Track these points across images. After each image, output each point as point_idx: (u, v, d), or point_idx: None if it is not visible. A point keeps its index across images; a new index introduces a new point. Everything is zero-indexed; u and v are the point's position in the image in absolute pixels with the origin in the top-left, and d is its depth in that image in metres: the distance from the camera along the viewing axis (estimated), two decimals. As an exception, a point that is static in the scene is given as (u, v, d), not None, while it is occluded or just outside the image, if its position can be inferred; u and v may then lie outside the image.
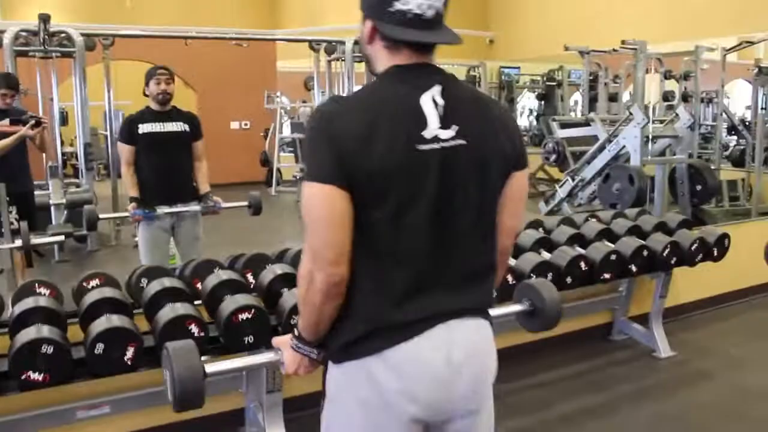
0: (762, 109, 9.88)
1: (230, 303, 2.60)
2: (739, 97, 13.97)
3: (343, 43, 8.17)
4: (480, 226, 1.52)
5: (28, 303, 2.58)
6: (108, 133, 7.80)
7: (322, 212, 1.39)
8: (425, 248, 1.45)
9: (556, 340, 3.82)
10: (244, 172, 10.62)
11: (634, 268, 3.66)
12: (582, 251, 3.54)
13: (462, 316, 1.50)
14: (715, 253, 3.98)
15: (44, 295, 2.77)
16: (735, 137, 9.80)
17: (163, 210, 3.99)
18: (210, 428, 3.07)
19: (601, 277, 3.55)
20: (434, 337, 1.45)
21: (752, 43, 7.74)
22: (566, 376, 3.73)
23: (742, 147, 8.54)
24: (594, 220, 4.15)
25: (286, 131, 11.09)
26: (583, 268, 3.46)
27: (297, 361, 1.59)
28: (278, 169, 10.51)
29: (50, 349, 2.28)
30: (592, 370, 3.87)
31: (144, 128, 3.97)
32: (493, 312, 1.62)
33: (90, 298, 2.63)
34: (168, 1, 13.79)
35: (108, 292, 2.68)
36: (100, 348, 2.34)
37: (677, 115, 6.34)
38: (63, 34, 6.24)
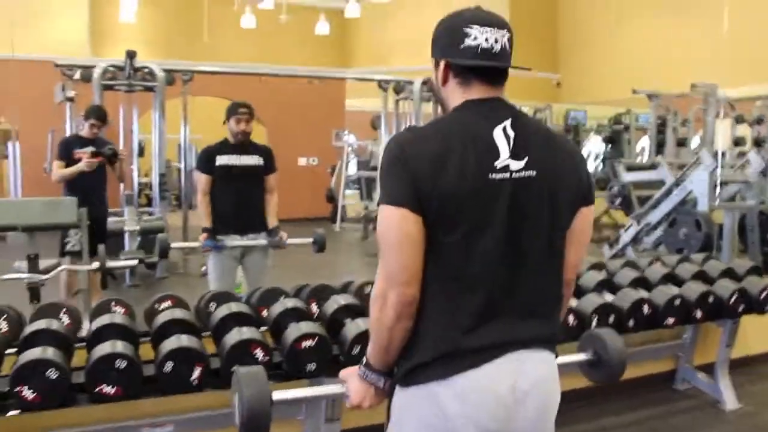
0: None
1: (294, 330, 2.67)
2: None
3: (411, 82, 8.36)
4: (549, 257, 1.56)
5: (104, 319, 2.71)
6: (182, 165, 8.10)
7: (396, 234, 1.46)
8: (496, 275, 1.49)
9: (618, 385, 3.73)
10: (310, 208, 10.85)
11: (699, 314, 3.58)
12: (645, 294, 3.49)
13: (530, 347, 1.53)
14: (787, 302, 3.85)
15: (119, 312, 2.92)
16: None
17: (232, 242, 4.12)
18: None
19: (665, 322, 3.49)
20: (502, 365, 1.49)
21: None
22: (627, 423, 3.65)
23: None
24: (659, 263, 4.09)
25: (352, 169, 11.29)
26: (646, 312, 3.41)
27: (363, 391, 1.63)
28: (343, 206, 10.69)
29: (124, 364, 2.39)
30: (653, 417, 3.77)
31: (221, 160, 4.13)
32: (557, 360, 1.64)
33: (162, 318, 2.75)
34: (243, 39, 14.37)
35: (179, 313, 2.79)
36: (169, 366, 2.44)
37: (748, 160, 6.20)
38: (146, 69, 6.58)
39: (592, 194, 1.64)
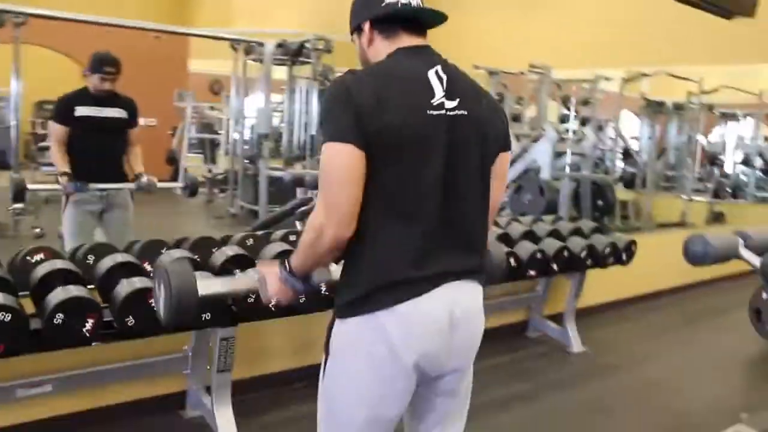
0: (649, 138, 10.70)
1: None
2: (623, 127, 14.97)
3: (262, 44, 8.18)
4: (480, 193, 1.65)
5: (-27, 273, 2.49)
6: (12, 123, 7.39)
7: (342, 171, 1.48)
8: (436, 208, 1.55)
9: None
10: (149, 170, 10.32)
11: (555, 267, 3.92)
12: (511, 249, 3.76)
13: (464, 278, 1.61)
14: (624, 258, 4.32)
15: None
16: (623, 162, 10.54)
17: (97, 186, 3.87)
18: (149, 411, 3.04)
19: (527, 274, 3.79)
20: (441, 295, 1.56)
21: (647, 75, 8.36)
22: (490, 367, 3.93)
23: (632, 171, 9.19)
24: (516, 223, 4.41)
25: (194, 132, 10.91)
26: (512, 265, 3.68)
27: (281, 289, 1.68)
28: (185, 169, 10.30)
29: (8, 317, 2.22)
30: (513, 362, 4.10)
31: (81, 111, 3.85)
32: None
33: (42, 270, 2.56)
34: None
35: (61, 264, 2.62)
36: (59, 318, 2.30)
37: (585, 135, 6.79)
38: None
39: (509, 141, 1.76)
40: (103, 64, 3.87)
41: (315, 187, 4.67)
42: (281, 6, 13.39)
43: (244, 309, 2.70)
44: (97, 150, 3.93)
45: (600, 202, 6.41)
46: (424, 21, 1.68)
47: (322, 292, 2.71)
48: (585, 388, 3.80)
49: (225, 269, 2.84)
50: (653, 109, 10.76)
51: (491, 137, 1.66)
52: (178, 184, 4.32)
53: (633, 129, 11.55)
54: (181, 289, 1.78)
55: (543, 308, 4.56)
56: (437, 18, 1.68)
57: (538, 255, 3.80)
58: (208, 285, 1.93)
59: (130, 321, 2.45)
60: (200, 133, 11.09)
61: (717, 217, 8.38)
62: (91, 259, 2.88)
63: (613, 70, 9.43)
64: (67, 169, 3.84)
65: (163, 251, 3.01)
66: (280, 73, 8.83)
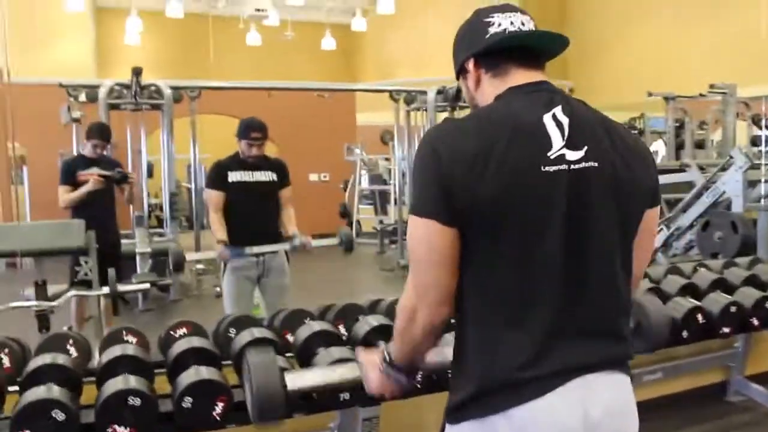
0: None
1: (325, 356, 2.40)
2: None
3: (423, 92, 8.12)
4: (617, 264, 1.31)
5: (115, 351, 2.45)
6: (192, 185, 7.87)
7: (424, 249, 1.26)
8: (557, 289, 1.24)
9: (668, 400, 3.47)
10: (323, 224, 10.58)
11: (755, 322, 3.29)
12: (698, 303, 3.20)
13: (599, 370, 1.28)
14: None
15: (131, 343, 2.66)
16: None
17: (252, 249, 3.85)
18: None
19: (721, 331, 3.20)
20: (569, 394, 1.24)
21: None
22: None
23: None
24: (704, 269, 3.80)
25: (365, 184, 11.07)
26: (701, 321, 3.13)
27: (384, 383, 1.48)
28: (358, 221, 10.45)
29: (137, 401, 2.13)
30: (710, 435, 3.49)
31: (234, 176, 3.90)
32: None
33: (178, 348, 2.48)
34: (248, 57, 14.23)
35: (196, 342, 2.53)
36: (188, 402, 2.17)
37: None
38: (153, 87, 6.37)
39: (659, 193, 1.40)
40: (250, 129, 3.88)
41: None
42: (438, 53, 13.41)
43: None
44: (251, 214, 3.94)
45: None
46: (540, 50, 1.37)
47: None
48: (806, 468, 3.11)
49: (369, 342, 2.63)
50: None
51: (635, 192, 1.31)
52: (333, 242, 4.21)
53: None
54: (264, 386, 1.58)
55: (745, 367, 3.87)
56: (557, 43, 1.36)
57: (732, 308, 3.20)
58: (298, 378, 1.71)
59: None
60: (371, 185, 11.22)
61: None
62: (232, 332, 2.79)
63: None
64: (223, 236, 3.87)
65: (306, 321, 2.86)
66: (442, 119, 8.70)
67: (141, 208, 7.33)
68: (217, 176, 3.94)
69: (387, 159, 11.95)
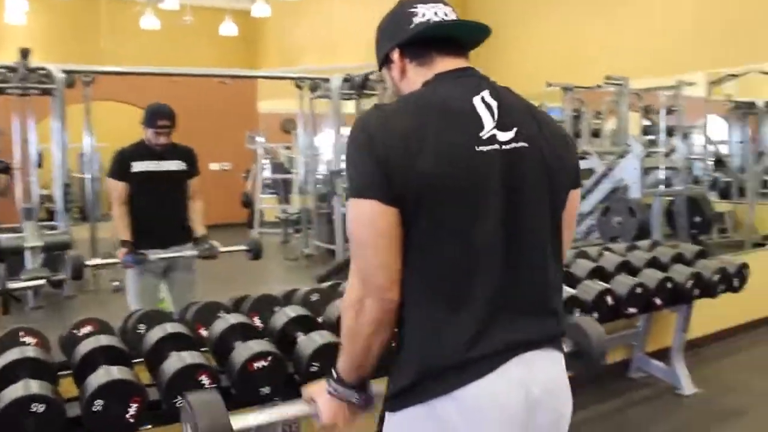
0: (740, 142, 9.92)
1: (243, 350, 2.31)
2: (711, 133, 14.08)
3: (328, 80, 8.01)
4: (550, 242, 1.32)
5: (12, 354, 2.26)
6: (87, 176, 7.46)
7: (368, 232, 1.22)
8: (497, 266, 1.24)
9: (572, 380, 3.58)
10: (225, 214, 10.32)
11: (658, 302, 3.45)
12: (607, 285, 3.31)
13: (537, 348, 1.29)
14: (735, 284, 3.79)
15: (29, 344, 2.46)
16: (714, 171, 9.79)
17: (156, 255, 3.67)
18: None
19: (627, 311, 3.33)
20: (511, 372, 1.24)
21: (736, 75, 7.72)
22: (590, 419, 3.47)
23: (727, 180, 8.49)
24: (609, 253, 3.94)
25: (268, 173, 10.86)
26: (610, 303, 3.24)
27: (336, 408, 1.40)
28: (260, 211, 10.24)
29: (42, 408, 1.97)
30: (617, 411, 3.62)
31: (139, 166, 3.69)
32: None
33: (84, 347, 2.32)
34: (143, 42, 13.62)
35: (104, 340, 2.37)
36: (99, 405, 2.03)
37: (674, 147, 6.24)
38: (43, 71, 5.97)
39: (580, 175, 1.44)
40: (157, 117, 3.69)
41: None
42: (344, 42, 13.31)
43: (307, 378, 2.37)
44: (158, 207, 3.75)
45: (697, 218, 5.83)
46: (463, 39, 1.37)
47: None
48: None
49: (286, 334, 2.55)
50: (743, 111, 10.00)
51: (561, 173, 1.33)
52: (242, 248, 4.08)
53: (718, 134, 10.78)
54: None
55: (645, 345, 4.06)
56: (479, 33, 1.37)
57: (638, 290, 3.34)
58: (245, 419, 1.63)
59: (180, 402, 2.16)
60: (274, 174, 11.02)
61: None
62: (142, 328, 2.64)
63: (693, 74, 8.83)
64: (126, 237, 3.66)
65: (220, 314, 2.75)
66: (348, 107, 8.64)
67: (30, 200, 6.87)
68: (120, 165, 3.73)
69: (288, 147, 11.79)
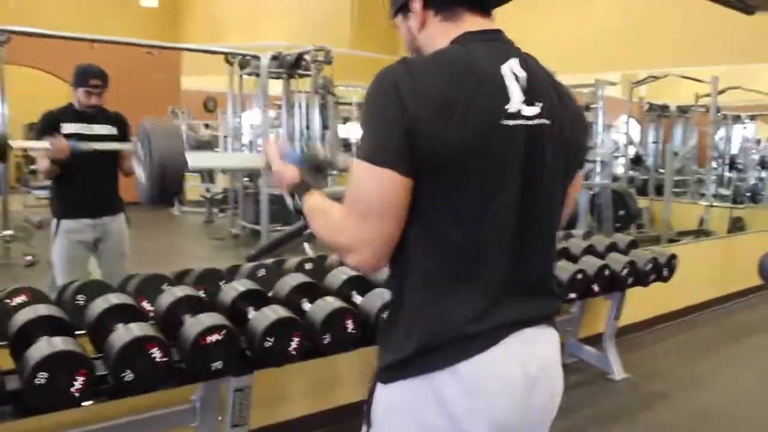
0: (653, 143, 10.37)
1: (195, 323, 2.21)
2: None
3: (258, 57, 7.82)
4: (553, 222, 1.31)
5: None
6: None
7: (372, 199, 1.15)
8: (509, 244, 1.21)
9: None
10: (144, 191, 9.96)
11: (596, 288, 3.54)
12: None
13: (535, 325, 1.27)
14: (665, 273, 3.94)
15: (-44, 314, 2.28)
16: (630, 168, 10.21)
17: (89, 145, 3.41)
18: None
19: (567, 297, 3.40)
20: (511, 347, 1.22)
21: (657, 77, 8.03)
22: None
23: (644, 177, 8.85)
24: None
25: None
26: (552, 288, 3.29)
27: (282, 189, 1.42)
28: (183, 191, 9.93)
29: (-22, 380, 1.82)
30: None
31: (68, 128, 3.47)
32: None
33: (21, 317, 2.16)
34: (57, 6, 12.92)
35: (43, 309, 2.22)
36: (42, 378, 1.90)
37: (601, 141, 6.43)
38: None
39: (585, 156, 1.43)
40: (88, 76, 3.50)
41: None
42: (269, 19, 13.06)
43: (260, 354, 2.30)
44: (88, 173, 3.54)
45: (621, 212, 6.04)
46: None
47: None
48: (634, 421, 3.41)
49: (237, 308, 2.47)
50: (657, 113, 10.45)
51: (576, 153, 1.32)
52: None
53: (633, 134, 11.25)
54: (167, 159, 1.39)
55: (578, 331, 4.17)
56: None
57: (579, 276, 3.41)
58: (199, 158, 1.56)
59: (128, 376, 2.05)
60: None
61: (736, 223, 8.01)
62: (81, 300, 2.49)
63: (611, 73, 9.14)
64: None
65: (163, 287, 2.63)
66: (274, 87, 8.46)
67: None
68: (47, 126, 3.49)
69: (207, 126, 11.49)
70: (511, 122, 1.18)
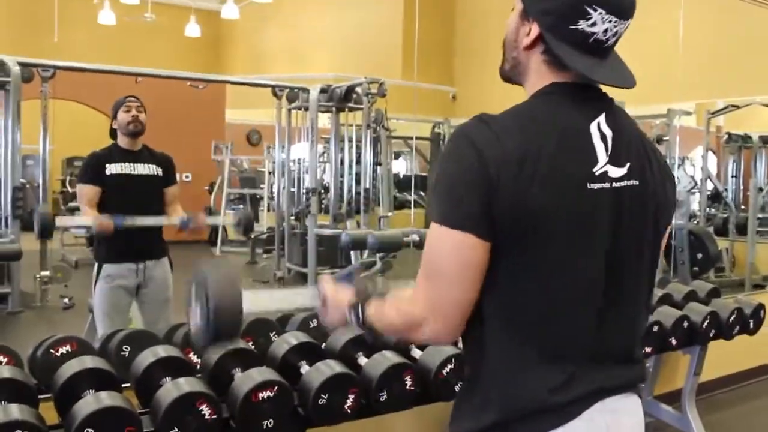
0: (733, 177, 10.15)
1: (246, 379, 2.25)
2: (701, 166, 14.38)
3: (306, 90, 7.98)
4: (646, 287, 1.34)
5: (-15, 375, 2.17)
6: (40, 180, 7.28)
7: (449, 263, 1.17)
8: (594, 313, 1.23)
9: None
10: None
11: (674, 342, 3.47)
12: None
13: (620, 393, 1.28)
14: (752, 326, 3.83)
15: (1, 363, 2.37)
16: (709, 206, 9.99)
17: (134, 219, 3.54)
18: None
19: (643, 351, 3.33)
20: (595, 418, 1.23)
21: (738, 107, 7.91)
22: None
23: (724, 215, 8.67)
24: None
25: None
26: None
27: (341, 324, 1.45)
28: (224, 227, 10.10)
29: (25, 437, 1.88)
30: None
31: (113, 168, 3.60)
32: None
33: (67, 370, 2.23)
34: (99, 39, 13.45)
35: (89, 362, 2.29)
36: (88, 435, 1.95)
37: (677, 178, 6.34)
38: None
39: (673, 212, 1.43)
40: (124, 97, 3.73)
41: (378, 249, 4.32)
42: (314, 49, 13.31)
43: (314, 412, 2.32)
44: (132, 213, 3.65)
45: (699, 255, 5.91)
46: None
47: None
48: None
49: (289, 362, 2.50)
50: (738, 144, 10.25)
51: (666, 214, 1.33)
52: (230, 221, 4.05)
53: (711, 168, 11.06)
54: (223, 303, 1.45)
55: (654, 387, 4.08)
56: (623, 86, 1.28)
57: (654, 328, 3.35)
58: (256, 301, 1.61)
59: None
60: (240, 188, 10.91)
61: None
62: (126, 350, 2.56)
63: (685, 103, 9.01)
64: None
65: (211, 338, 2.68)
66: (321, 120, 8.61)
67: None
68: (92, 168, 3.63)
69: (255, 162, 11.71)
70: (597, 185, 1.20)
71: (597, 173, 1.20)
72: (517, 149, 1.15)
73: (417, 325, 1.22)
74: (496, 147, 1.15)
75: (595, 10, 1.20)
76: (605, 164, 1.22)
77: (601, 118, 1.24)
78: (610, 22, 1.21)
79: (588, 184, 1.19)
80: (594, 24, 1.20)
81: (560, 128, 1.21)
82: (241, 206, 10.74)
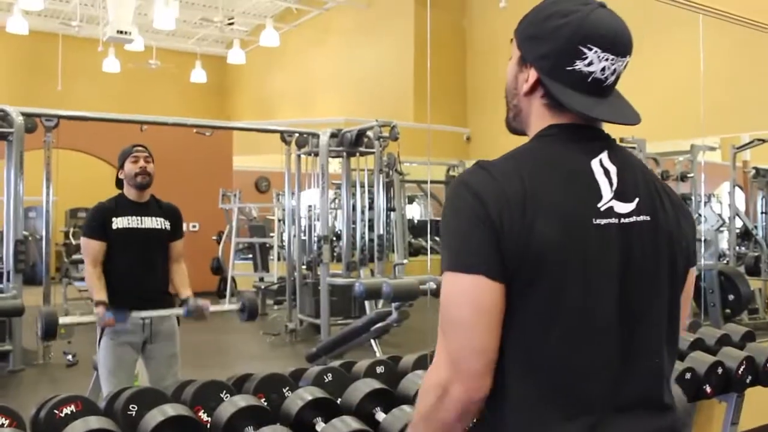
0: (762, 213, 10.10)
1: (258, 438, 2.23)
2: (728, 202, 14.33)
3: (316, 136, 8.05)
4: (667, 328, 1.31)
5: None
6: (44, 233, 7.34)
7: (467, 310, 1.18)
8: (613, 357, 1.23)
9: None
10: (193, 281, 10.17)
11: (708, 389, 3.41)
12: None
13: None
14: (790, 372, 3.76)
15: (3, 426, 2.36)
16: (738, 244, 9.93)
17: (139, 314, 3.58)
18: None
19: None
20: None
21: (764, 140, 7.91)
22: None
23: (755, 254, 8.60)
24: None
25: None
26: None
27: None
28: (233, 278, 10.13)
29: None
30: None
31: (119, 222, 3.63)
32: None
33: None
34: (104, 87, 13.70)
35: (94, 423, 2.27)
36: (95, 501, 1.93)
37: (703, 216, 6.32)
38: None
39: (696, 252, 1.43)
40: (131, 146, 3.77)
41: (393, 299, 4.31)
42: (322, 93, 13.49)
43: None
44: (139, 269, 3.69)
45: (730, 297, 5.87)
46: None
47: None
48: None
49: (304, 420, 2.48)
50: (766, 178, 10.21)
51: (682, 249, 1.31)
52: (233, 306, 4.03)
53: (739, 204, 11.01)
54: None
55: (689, 439, 3.99)
56: (626, 123, 1.31)
57: (687, 375, 3.30)
58: None
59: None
60: (250, 237, 10.95)
61: None
62: (133, 409, 2.54)
63: (709, 138, 9.02)
64: (103, 297, 3.57)
65: (222, 395, 2.66)
66: (331, 165, 8.66)
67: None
68: (98, 222, 3.65)
69: (264, 209, 11.78)
70: (603, 221, 1.21)
71: (602, 209, 1.21)
72: (518, 191, 1.18)
73: (444, 390, 1.20)
74: (496, 191, 1.18)
75: (590, 49, 1.22)
76: (610, 200, 1.23)
77: (603, 155, 1.25)
78: (607, 60, 1.23)
79: (594, 220, 1.20)
80: (591, 63, 1.23)
81: (561, 166, 1.23)
82: (251, 256, 10.80)
